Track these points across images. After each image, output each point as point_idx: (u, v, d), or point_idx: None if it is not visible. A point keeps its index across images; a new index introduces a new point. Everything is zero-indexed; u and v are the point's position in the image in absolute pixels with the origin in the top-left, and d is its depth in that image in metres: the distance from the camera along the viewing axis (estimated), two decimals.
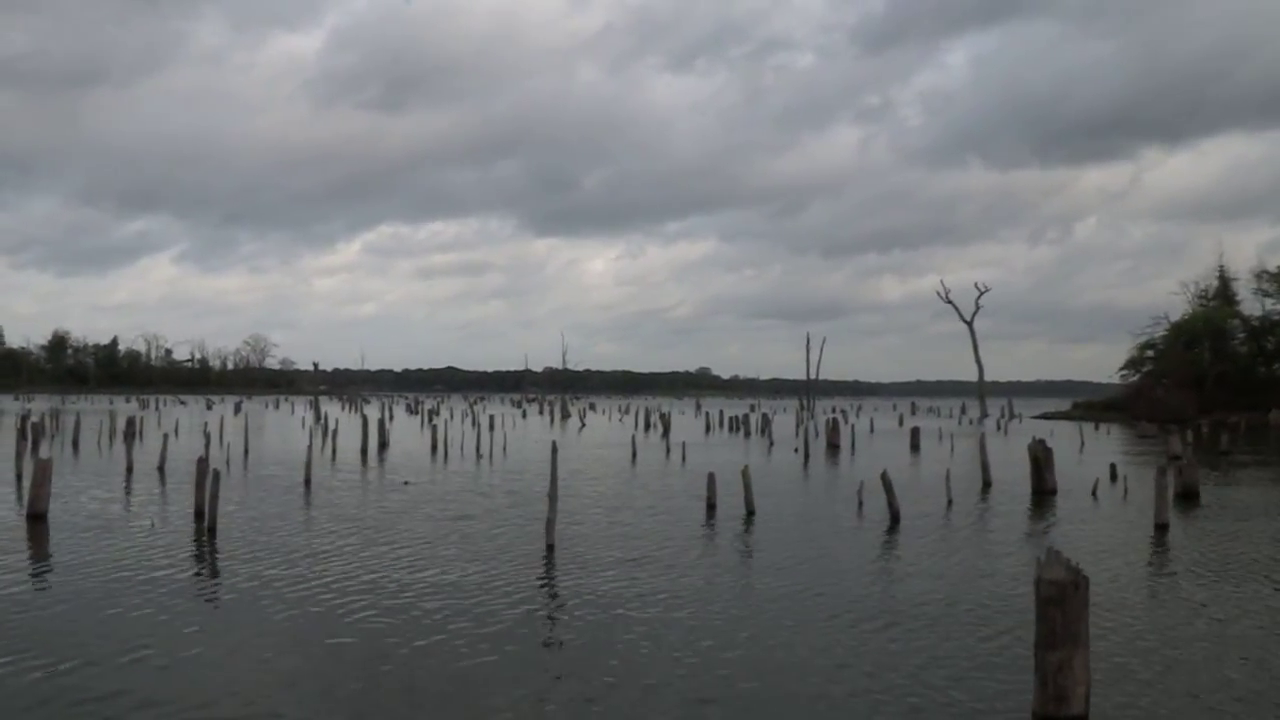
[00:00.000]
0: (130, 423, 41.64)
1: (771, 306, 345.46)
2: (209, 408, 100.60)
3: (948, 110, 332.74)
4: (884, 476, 21.25)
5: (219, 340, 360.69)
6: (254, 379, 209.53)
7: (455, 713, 8.51)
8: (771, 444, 48.83)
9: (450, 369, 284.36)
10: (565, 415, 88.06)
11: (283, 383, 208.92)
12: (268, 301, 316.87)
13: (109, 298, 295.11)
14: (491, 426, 49.80)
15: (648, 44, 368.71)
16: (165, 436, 34.49)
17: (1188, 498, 24.71)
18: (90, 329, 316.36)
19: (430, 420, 62.73)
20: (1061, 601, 8.08)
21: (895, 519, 20.26)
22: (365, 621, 11.48)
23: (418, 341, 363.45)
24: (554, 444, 18.13)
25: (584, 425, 72.92)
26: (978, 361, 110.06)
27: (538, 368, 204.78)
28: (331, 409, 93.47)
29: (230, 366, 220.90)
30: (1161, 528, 19.75)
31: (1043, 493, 25.82)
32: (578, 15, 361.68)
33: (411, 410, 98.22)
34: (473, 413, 78.31)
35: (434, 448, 40.54)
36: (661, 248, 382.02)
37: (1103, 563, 15.67)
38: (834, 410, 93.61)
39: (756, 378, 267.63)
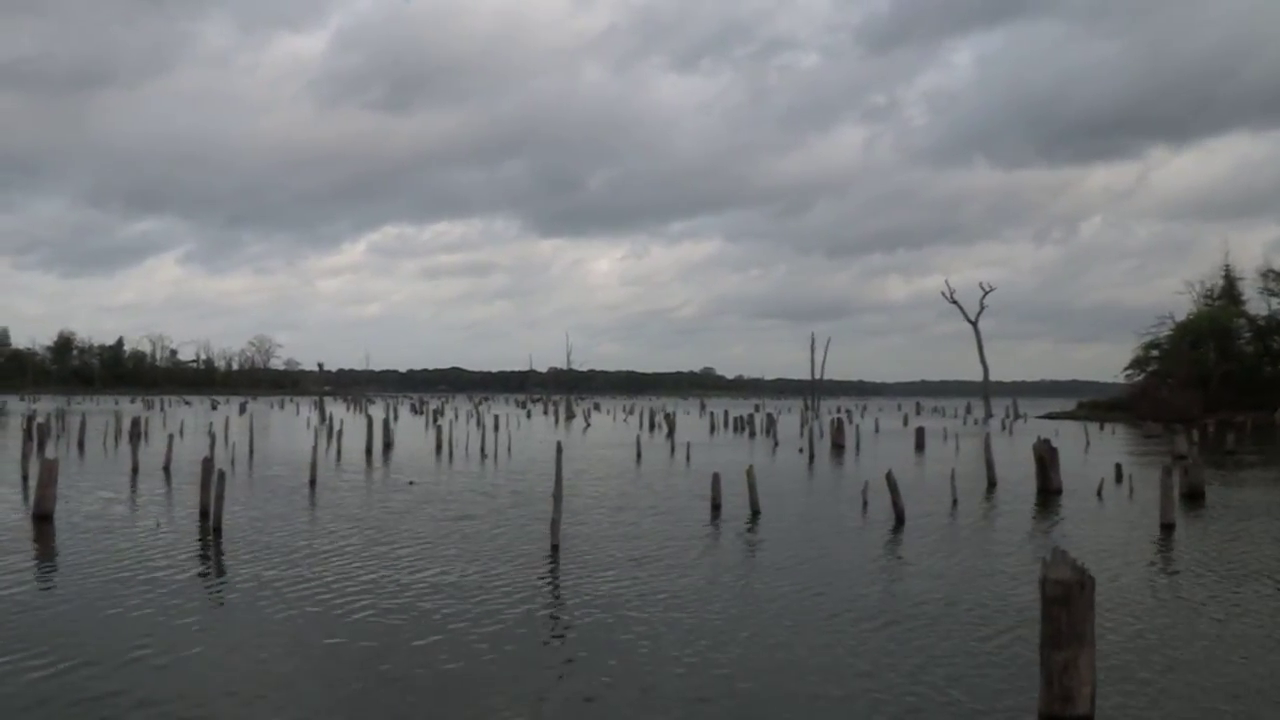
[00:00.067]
0: (135, 423, 41.68)
1: (776, 306, 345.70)
2: (214, 408, 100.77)
3: (953, 110, 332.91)
4: (889, 476, 21.21)
5: (224, 341, 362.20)
6: (259, 379, 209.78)
7: (455, 712, 8.50)
8: (776, 444, 48.79)
9: (455, 369, 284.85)
10: (570, 415, 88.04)
11: (288, 383, 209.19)
12: (273, 302, 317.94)
13: (114, 299, 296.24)
14: (496, 427, 49.84)
15: (652, 44, 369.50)
16: (170, 437, 34.50)
17: (1193, 498, 24.64)
18: (96, 330, 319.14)
19: (435, 421, 62.75)
20: (1067, 601, 8.05)
21: (900, 519, 20.22)
22: (368, 621, 11.47)
23: (422, 342, 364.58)
24: (559, 444, 18.12)
25: (589, 425, 72.92)
26: (983, 361, 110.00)
27: (542, 368, 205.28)
28: (336, 409, 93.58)
29: (235, 367, 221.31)
30: (1167, 528, 19.70)
31: (1048, 493, 25.77)
32: (583, 15, 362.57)
33: (416, 411, 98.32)
34: (477, 413, 78.29)
35: (439, 448, 40.56)
36: (666, 248, 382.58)
37: (1108, 562, 15.62)
38: (839, 410, 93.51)
39: (761, 378, 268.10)
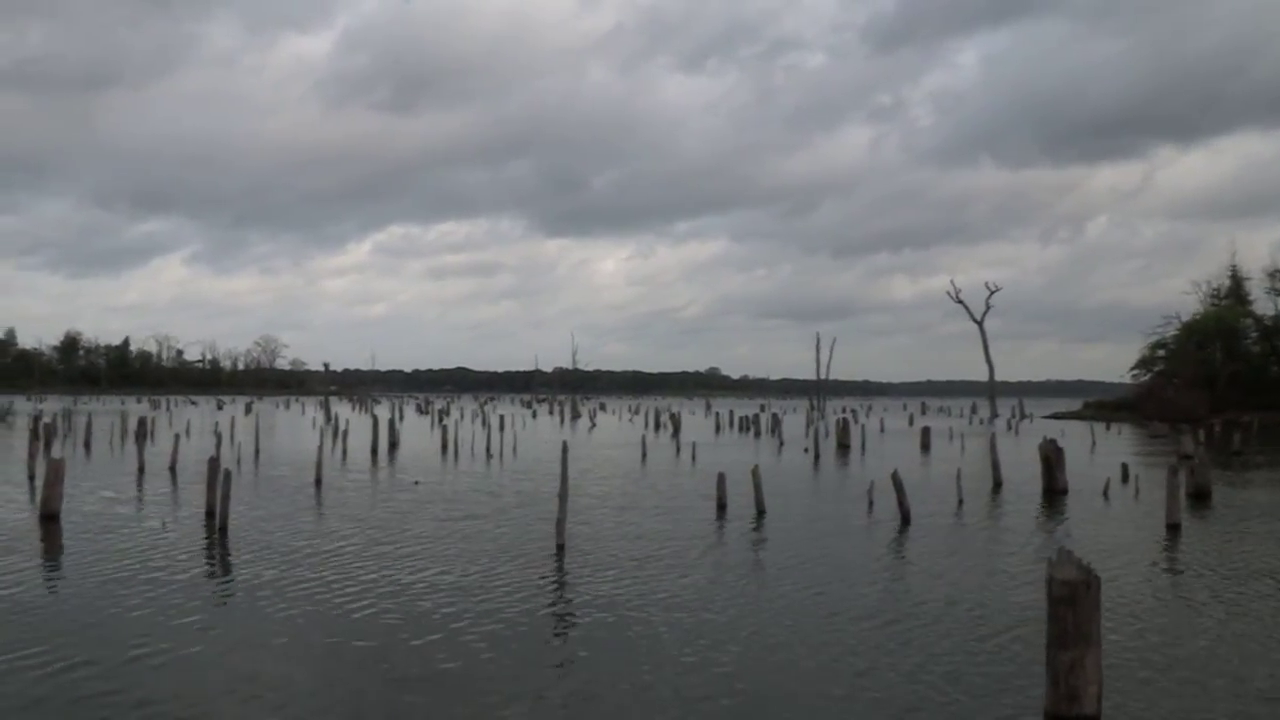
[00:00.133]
0: (142, 423, 41.73)
1: (782, 306, 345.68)
2: (220, 408, 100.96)
3: (959, 109, 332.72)
4: (894, 476, 21.19)
5: (230, 341, 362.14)
6: (265, 379, 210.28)
7: (457, 711, 8.49)
8: (782, 444, 48.76)
9: (460, 369, 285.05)
10: (575, 415, 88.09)
11: (293, 383, 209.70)
12: (278, 302, 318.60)
13: (121, 299, 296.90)
14: (501, 427, 49.83)
15: (658, 44, 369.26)
16: (176, 437, 34.60)
17: (1199, 498, 24.58)
18: (102, 330, 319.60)
19: (440, 420, 62.82)
20: (1073, 601, 8.03)
21: (906, 519, 20.19)
22: (370, 620, 11.47)
23: (428, 342, 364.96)
24: (564, 444, 18.12)
25: (594, 425, 72.94)
26: (988, 361, 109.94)
27: (548, 368, 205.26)
28: (342, 409, 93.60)
29: (241, 367, 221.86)
30: (1173, 528, 19.64)
31: (1054, 492, 25.72)
32: (588, 15, 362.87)
33: (422, 410, 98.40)
34: (483, 413, 78.36)
35: (444, 448, 40.59)
36: (672, 248, 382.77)
37: (1114, 562, 15.58)
38: (844, 410, 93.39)
39: (766, 378, 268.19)
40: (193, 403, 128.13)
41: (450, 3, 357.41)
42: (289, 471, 30.09)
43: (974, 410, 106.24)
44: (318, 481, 26.27)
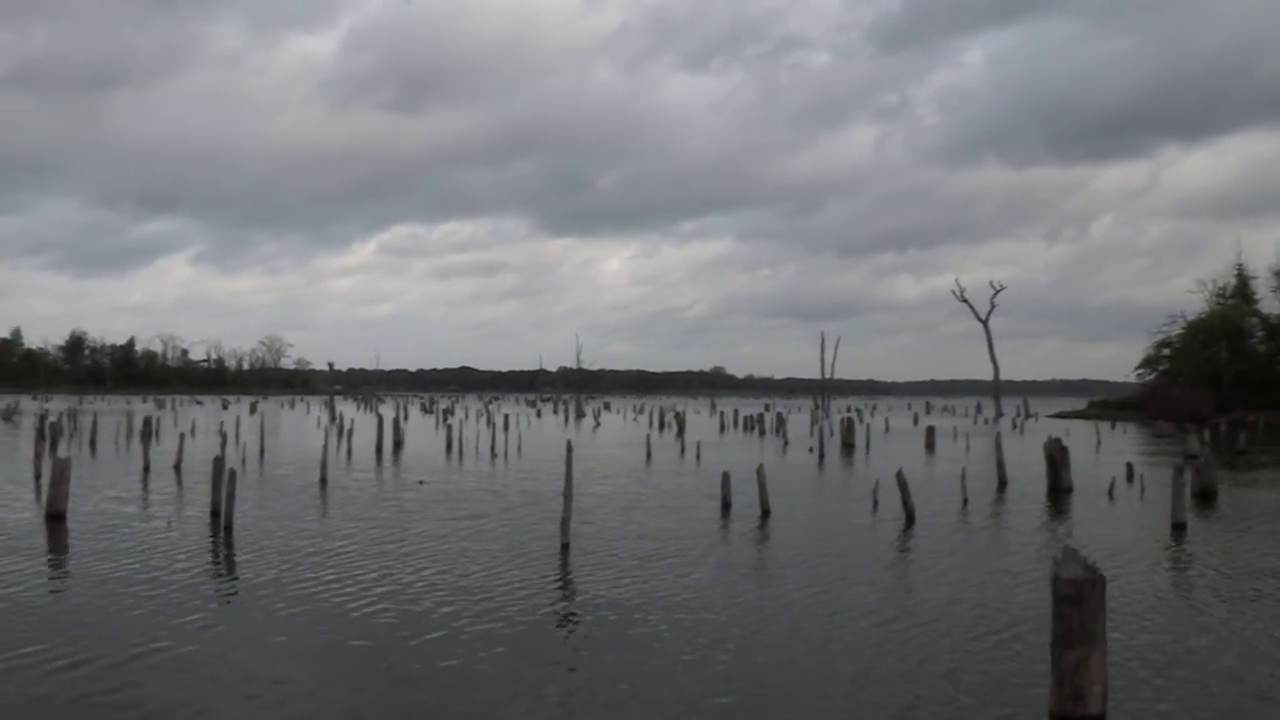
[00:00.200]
0: (147, 423, 41.84)
1: (786, 306, 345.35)
2: (225, 408, 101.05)
3: (964, 109, 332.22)
4: (899, 476, 21.17)
5: (235, 341, 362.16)
6: (269, 379, 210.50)
7: (456, 710, 8.50)
8: (786, 443, 48.73)
9: (465, 369, 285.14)
10: (580, 415, 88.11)
11: (298, 383, 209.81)
12: (283, 302, 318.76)
13: (126, 299, 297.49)
14: (506, 426, 49.79)
15: (664, 43, 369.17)
16: (181, 436, 34.65)
17: (1205, 497, 24.53)
18: (107, 330, 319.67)
19: (445, 420, 62.87)
20: (1078, 600, 8.00)
21: (910, 518, 20.17)
22: (374, 619, 11.48)
23: (433, 342, 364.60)
24: (569, 443, 18.12)
25: (598, 425, 72.96)
26: (993, 360, 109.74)
27: (552, 367, 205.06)
28: (347, 409, 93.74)
29: (246, 367, 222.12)
30: (1178, 527, 19.61)
31: (1059, 492, 25.69)
32: (593, 15, 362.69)
33: (426, 410, 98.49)
34: (487, 412, 78.40)
35: (449, 447, 40.62)
36: (677, 247, 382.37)
37: (1119, 562, 15.55)
38: (849, 409, 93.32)
39: (771, 377, 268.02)
40: (198, 402, 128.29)
41: (455, 2, 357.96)
42: (294, 471, 30.12)
43: (979, 409, 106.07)
44: (322, 481, 26.30)
